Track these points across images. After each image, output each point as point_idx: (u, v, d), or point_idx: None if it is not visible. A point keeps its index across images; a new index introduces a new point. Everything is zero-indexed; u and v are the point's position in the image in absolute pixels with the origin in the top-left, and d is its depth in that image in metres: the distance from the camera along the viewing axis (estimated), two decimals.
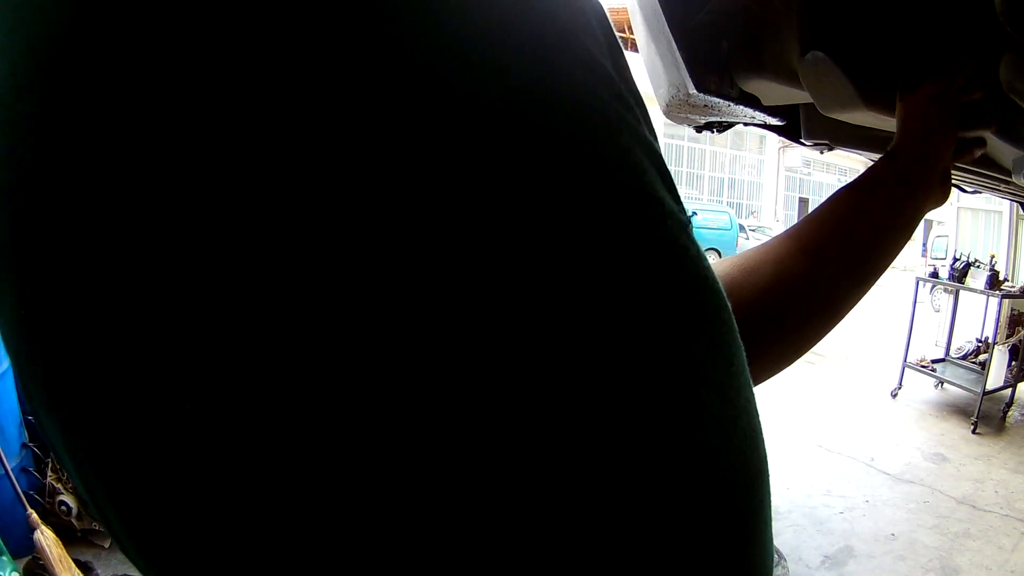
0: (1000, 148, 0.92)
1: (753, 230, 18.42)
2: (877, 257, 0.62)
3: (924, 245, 14.62)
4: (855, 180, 0.66)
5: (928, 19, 0.72)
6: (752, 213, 23.63)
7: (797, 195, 26.66)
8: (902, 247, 0.64)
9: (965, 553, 3.75)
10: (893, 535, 3.97)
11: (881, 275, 0.63)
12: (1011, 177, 1.02)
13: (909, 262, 26.27)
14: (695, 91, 0.79)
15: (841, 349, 8.51)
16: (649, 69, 0.89)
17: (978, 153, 0.74)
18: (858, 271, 0.60)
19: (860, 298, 0.61)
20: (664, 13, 0.77)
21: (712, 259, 0.33)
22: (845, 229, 0.61)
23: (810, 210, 0.66)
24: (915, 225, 0.65)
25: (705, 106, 0.87)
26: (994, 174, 1.08)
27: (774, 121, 1.00)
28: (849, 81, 0.73)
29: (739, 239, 16.26)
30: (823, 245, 0.59)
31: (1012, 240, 12.56)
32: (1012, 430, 5.78)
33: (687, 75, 0.78)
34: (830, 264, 0.58)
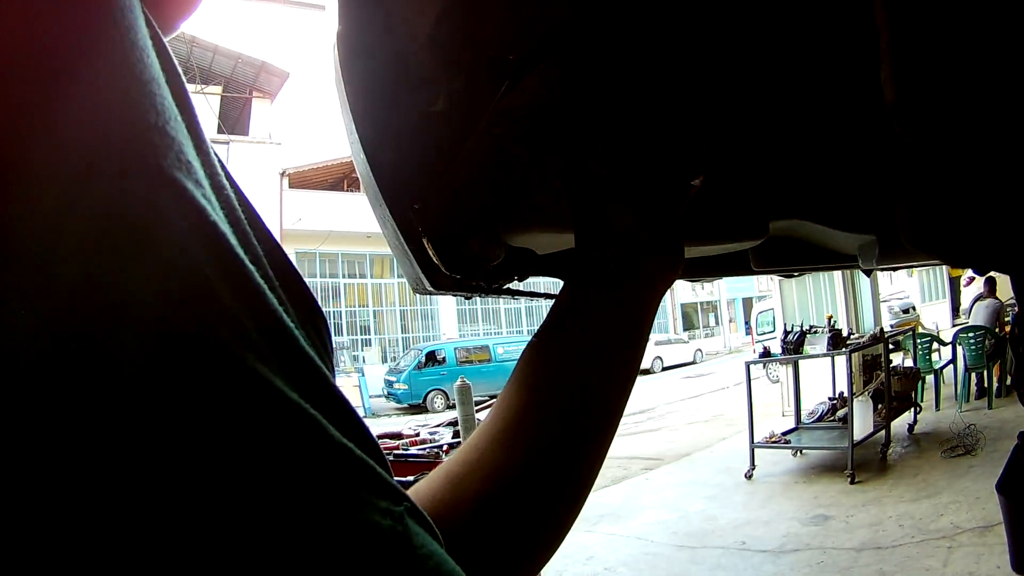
0: (837, 236, 0.86)
1: None
2: (604, 409, 0.49)
3: (747, 324, 14.04)
4: (541, 329, 0.52)
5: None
6: None
7: None
8: (637, 362, 0.51)
9: None
10: None
11: (624, 406, 0.50)
12: (858, 263, 0.95)
13: (735, 343, 25.60)
14: (431, 288, 0.69)
15: (676, 448, 7.84)
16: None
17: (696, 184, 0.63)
18: (590, 434, 0.48)
19: (606, 449, 0.50)
20: (382, 195, 0.62)
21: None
22: (546, 407, 0.47)
23: None
24: (647, 326, 0.52)
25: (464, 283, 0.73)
26: (831, 266, 1.02)
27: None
28: None
29: None
30: (531, 439, 0.46)
31: (849, 294, 12.28)
32: (897, 466, 5.47)
33: (421, 273, 0.67)
34: (551, 454, 0.46)
